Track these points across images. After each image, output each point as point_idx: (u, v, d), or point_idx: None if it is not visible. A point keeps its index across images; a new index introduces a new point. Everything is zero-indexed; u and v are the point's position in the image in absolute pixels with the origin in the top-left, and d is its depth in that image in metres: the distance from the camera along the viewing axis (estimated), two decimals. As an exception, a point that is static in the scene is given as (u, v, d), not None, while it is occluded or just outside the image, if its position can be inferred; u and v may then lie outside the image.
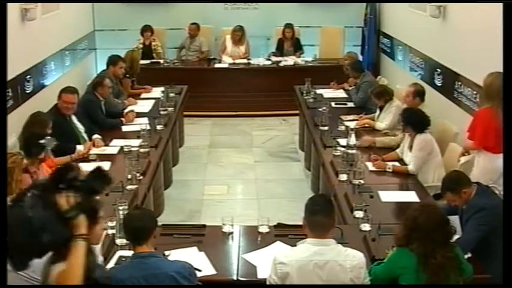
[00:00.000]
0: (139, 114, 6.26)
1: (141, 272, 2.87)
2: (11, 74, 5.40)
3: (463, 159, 4.66)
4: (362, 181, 4.44)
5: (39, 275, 2.81)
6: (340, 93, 7.24)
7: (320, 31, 9.43)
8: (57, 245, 2.06)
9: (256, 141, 7.85)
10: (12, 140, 5.14)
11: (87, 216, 2.17)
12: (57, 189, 2.13)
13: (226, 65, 8.85)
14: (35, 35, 6.44)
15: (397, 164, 4.84)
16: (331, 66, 8.36)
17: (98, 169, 2.27)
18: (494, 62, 4.37)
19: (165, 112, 6.32)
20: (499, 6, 4.25)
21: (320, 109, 6.01)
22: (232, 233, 3.74)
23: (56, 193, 2.11)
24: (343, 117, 6.05)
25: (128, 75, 7.09)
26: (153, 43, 8.98)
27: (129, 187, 4.34)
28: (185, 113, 7.57)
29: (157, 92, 7.10)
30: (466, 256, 3.21)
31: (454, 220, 3.50)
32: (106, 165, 4.80)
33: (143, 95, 7.21)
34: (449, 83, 6.13)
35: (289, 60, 8.87)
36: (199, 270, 3.14)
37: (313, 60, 8.94)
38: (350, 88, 7.14)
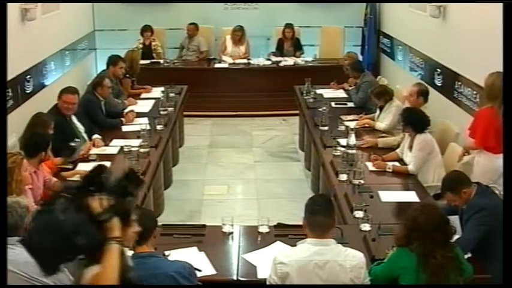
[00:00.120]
0: (139, 114, 6.26)
1: (141, 272, 2.87)
2: (11, 74, 5.40)
3: (466, 158, 4.66)
4: (362, 181, 4.44)
5: (39, 275, 2.82)
6: (340, 93, 7.24)
7: (320, 31, 9.43)
8: (90, 249, 2.03)
9: (256, 141, 7.85)
10: (12, 140, 5.15)
11: (120, 218, 2.14)
12: (90, 192, 2.09)
13: (226, 65, 8.85)
14: (35, 35, 6.43)
15: (397, 164, 4.84)
16: (331, 66, 8.36)
17: (131, 171, 2.25)
18: (494, 62, 4.37)
19: (165, 112, 6.32)
20: (499, 6, 4.26)
21: (320, 109, 6.01)
22: (232, 233, 3.74)
23: (89, 196, 2.08)
24: (343, 117, 6.05)
25: (128, 75, 7.09)
26: (153, 43, 8.98)
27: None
28: (185, 113, 7.57)
29: (157, 92, 7.10)
30: (466, 256, 3.21)
31: (454, 220, 3.50)
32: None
33: (143, 95, 7.21)
34: (449, 83, 6.13)
35: (289, 60, 8.87)
36: (199, 270, 3.14)
37: (313, 60, 8.94)
38: (350, 88, 7.14)
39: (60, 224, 1.98)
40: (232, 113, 8.63)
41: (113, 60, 6.81)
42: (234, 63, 8.89)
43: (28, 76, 6.20)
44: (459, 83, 5.86)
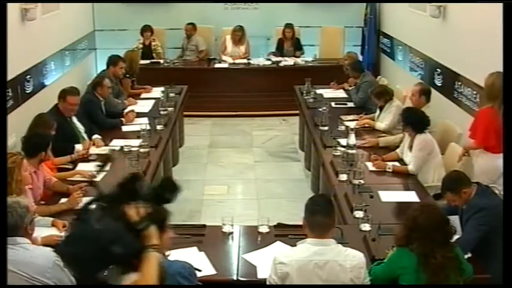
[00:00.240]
0: (139, 114, 6.25)
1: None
2: (11, 74, 5.40)
3: (465, 158, 4.67)
4: (362, 181, 4.44)
5: (39, 275, 2.82)
6: (340, 93, 7.24)
7: (320, 31, 9.43)
8: (128, 257, 1.99)
9: (256, 141, 7.85)
10: (12, 140, 5.15)
11: (157, 225, 2.11)
12: (125, 200, 2.06)
13: (226, 65, 8.85)
14: (35, 35, 6.44)
15: (397, 164, 4.84)
16: (331, 66, 8.36)
17: (167, 178, 2.22)
18: (494, 62, 4.37)
19: (165, 112, 6.32)
20: (499, 6, 4.26)
21: (320, 109, 6.01)
22: (232, 233, 3.74)
23: (124, 204, 2.05)
24: (343, 117, 6.05)
25: (127, 75, 7.09)
26: (153, 43, 8.98)
27: (129, 187, 4.33)
28: (185, 113, 7.57)
29: (157, 92, 7.10)
30: (466, 256, 3.20)
31: (454, 220, 3.50)
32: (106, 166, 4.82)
33: (143, 95, 7.21)
34: (449, 83, 6.14)
35: (289, 60, 8.87)
36: (199, 270, 3.13)
37: (313, 60, 8.94)
38: (350, 88, 7.14)
39: (96, 234, 1.94)
40: (232, 113, 8.63)
41: (113, 60, 6.81)
42: (234, 63, 8.89)
43: (28, 76, 6.20)
44: (459, 83, 5.86)
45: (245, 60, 8.97)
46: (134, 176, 2.17)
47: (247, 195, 6.27)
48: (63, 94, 5.31)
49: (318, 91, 7.18)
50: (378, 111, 5.95)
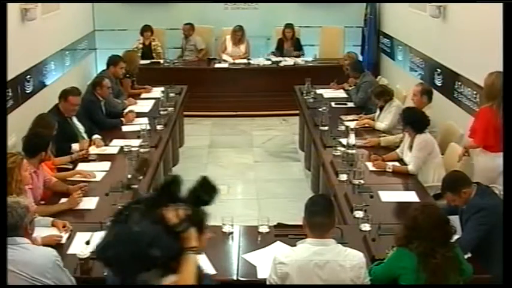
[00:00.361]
0: (139, 114, 6.25)
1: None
2: (11, 74, 5.40)
3: (465, 158, 4.67)
4: (362, 181, 4.44)
5: (39, 275, 2.82)
6: (340, 93, 7.24)
7: (320, 31, 9.43)
8: (167, 260, 1.99)
9: (256, 141, 7.85)
10: (12, 140, 5.15)
11: (195, 227, 2.10)
12: (164, 203, 2.05)
13: (226, 65, 8.85)
14: (35, 35, 6.44)
15: (397, 164, 4.84)
16: (331, 66, 8.35)
17: (205, 179, 2.19)
18: (494, 62, 4.38)
19: (165, 112, 6.31)
20: (499, 6, 4.26)
21: (320, 109, 6.01)
22: (232, 233, 3.74)
23: (163, 207, 2.03)
24: (343, 117, 6.05)
25: (128, 76, 7.09)
26: (152, 43, 8.98)
27: (129, 187, 4.34)
28: (185, 113, 7.57)
29: (157, 92, 7.10)
30: (466, 256, 3.20)
31: (454, 220, 3.50)
32: (106, 165, 4.83)
33: (143, 95, 7.21)
34: (449, 83, 6.14)
35: (289, 60, 8.87)
36: (199, 270, 3.14)
37: (313, 60, 8.94)
38: (350, 88, 7.14)
39: (135, 237, 1.94)
40: (232, 113, 8.63)
41: (113, 60, 6.81)
42: (234, 63, 8.89)
43: (28, 76, 6.20)
44: (459, 83, 5.87)
45: (245, 60, 8.97)
46: (173, 179, 2.15)
47: (247, 195, 6.26)
48: (65, 94, 5.31)
49: (318, 91, 7.18)
50: (378, 111, 5.95)
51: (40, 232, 3.41)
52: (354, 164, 4.73)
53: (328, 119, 5.85)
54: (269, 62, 8.91)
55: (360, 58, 8.42)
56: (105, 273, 3.12)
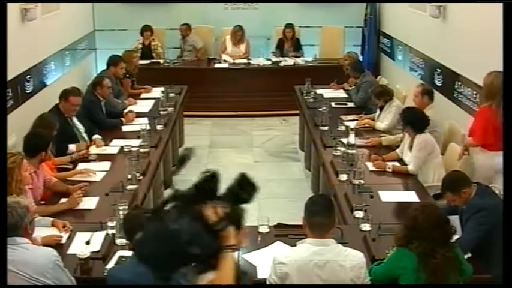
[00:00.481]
0: (139, 114, 6.25)
1: (141, 272, 2.87)
2: (11, 74, 5.40)
3: (465, 157, 4.68)
4: (362, 181, 4.44)
5: (39, 275, 2.83)
6: (340, 93, 7.24)
7: (320, 31, 9.43)
8: (205, 258, 1.96)
9: (256, 141, 7.85)
10: (12, 140, 5.15)
11: (234, 225, 2.06)
12: (202, 200, 2.02)
13: (226, 65, 8.85)
14: (35, 35, 6.44)
15: (397, 164, 4.84)
16: (331, 66, 8.35)
17: (243, 177, 2.17)
18: (494, 62, 4.38)
19: (165, 112, 6.31)
20: (499, 6, 4.26)
21: (320, 109, 6.01)
22: (232, 233, 3.73)
23: (201, 204, 2.00)
24: (343, 117, 6.05)
25: (128, 75, 7.09)
26: (152, 43, 8.98)
27: (129, 187, 4.34)
28: (185, 113, 7.57)
29: (157, 92, 7.09)
30: (466, 256, 3.20)
31: (454, 220, 3.50)
32: (106, 165, 4.83)
33: (143, 95, 7.21)
34: (449, 83, 6.14)
35: (289, 60, 8.87)
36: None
37: (313, 60, 8.94)
38: (350, 88, 7.14)
39: (174, 234, 1.91)
40: (232, 113, 8.63)
41: (113, 61, 6.81)
42: (234, 63, 8.89)
43: (28, 76, 6.20)
44: (459, 83, 5.87)
45: (245, 60, 8.97)
46: (211, 176, 2.12)
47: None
48: (65, 94, 5.31)
49: (318, 91, 7.18)
50: (378, 111, 5.95)
51: (40, 232, 3.42)
52: (354, 164, 4.72)
53: (328, 119, 5.85)
54: (269, 62, 8.91)
55: (360, 58, 8.42)
56: (105, 273, 3.13)
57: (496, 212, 3.37)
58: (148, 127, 5.59)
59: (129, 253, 3.22)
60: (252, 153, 7.44)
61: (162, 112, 6.30)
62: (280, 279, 2.86)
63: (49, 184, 4.25)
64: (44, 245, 3.23)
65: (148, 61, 8.71)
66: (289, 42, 9.15)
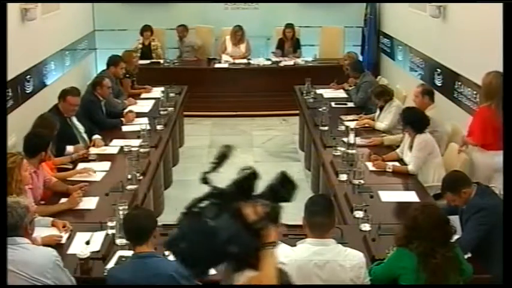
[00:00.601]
0: (139, 114, 6.25)
1: (141, 272, 2.88)
2: (11, 74, 5.40)
3: (464, 147, 4.70)
4: (362, 181, 4.44)
5: (39, 275, 2.83)
6: (340, 93, 7.24)
7: (320, 31, 9.43)
8: (244, 256, 1.94)
9: (256, 141, 7.85)
10: (13, 140, 5.15)
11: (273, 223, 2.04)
12: (241, 198, 1.99)
13: (226, 65, 8.85)
14: (35, 35, 6.44)
15: (397, 164, 4.84)
16: (331, 66, 8.35)
17: (283, 175, 2.12)
18: (494, 62, 4.38)
19: (165, 112, 6.32)
20: (499, 6, 4.26)
21: (320, 109, 6.01)
22: (232, 233, 3.73)
23: (240, 201, 1.97)
24: (343, 117, 6.05)
25: (127, 76, 7.09)
26: (152, 43, 8.97)
27: (129, 187, 4.34)
28: (185, 113, 7.57)
29: (157, 92, 7.09)
30: (466, 256, 3.20)
31: (454, 220, 3.50)
32: (106, 165, 4.83)
33: (143, 95, 7.21)
34: (449, 83, 6.14)
35: (289, 60, 8.87)
36: (200, 270, 3.14)
37: (313, 60, 8.94)
38: (350, 88, 7.14)
39: (212, 232, 1.88)
40: (232, 113, 8.62)
41: (113, 61, 6.81)
42: (234, 63, 8.89)
43: (28, 76, 6.20)
44: (459, 83, 5.87)
45: (245, 60, 8.97)
46: (252, 173, 2.09)
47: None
48: (64, 94, 5.31)
49: (318, 91, 7.18)
50: (378, 111, 5.95)
51: (40, 232, 3.42)
52: (354, 164, 4.72)
53: (328, 119, 5.85)
54: (269, 62, 8.91)
55: (360, 58, 8.42)
56: (105, 273, 3.13)
57: (496, 212, 3.37)
58: (148, 127, 5.59)
59: (129, 253, 3.22)
60: (252, 153, 7.43)
61: (162, 112, 6.30)
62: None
63: (49, 184, 4.25)
64: (44, 245, 3.23)
65: (148, 61, 8.71)
66: (289, 42, 9.15)
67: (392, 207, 4.14)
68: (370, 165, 4.83)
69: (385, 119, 5.79)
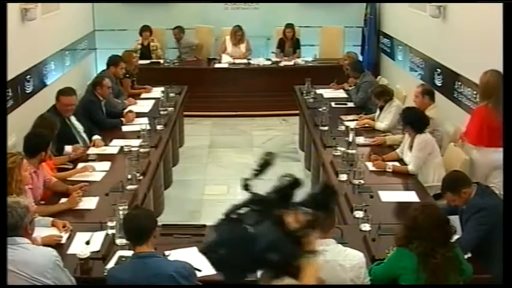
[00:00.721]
0: (139, 114, 6.25)
1: (141, 272, 2.87)
2: (11, 74, 5.40)
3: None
4: (362, 181, 4.44)
5: (39, 275, 2.83)
6: (340, 93, 7.24)
7: (320, 31, 9.43)
8: (284, 264, 1.90)
9: (256, 141, 7.85)
10: (13, 140, 5.15)
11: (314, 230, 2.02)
12: (282, 205, 1.96)
13: (226, 65, 8.85)
14: (35, 35, 6.44)
15: (397, 164, 4.84)
16: (331, 66, 8.35)
17: (326, 185, 2.14)
18: (494, 62, 4.38)
19: (165, 112, 6.32)
20: (499, 6, 4.26)
21: (320, 109, 6.01)
22: (232, 233, 3.73)
23: (281, 209, 1.94)
24: (343, 117, 6.05)
25: (127, 76, 7.09)
26: (151, 43, 8.96)
27: (129, 187, 4.34)
28: (185, 113, 7.57)
29: (157, 92, 7.09)
30: (466, 256, 3.21)
31: (454, 220, 3.50)
32: (106, 165, 4.83)
33: (143, 95, 7.21)
34: (449, 83, 6.14)
35: (289, 60, 8.87)
36: (199, 270, 3.14)
37: (313, 60, 8.94)
38: (350, 88, 7.14)
39: (252, 239, 1.86)
40: (232, 113, 8.62)
41: (113, 61, 6.81)
42: (234, 63, 8.89)
43: (28, 76, 6.20)
44: (459, 83, 5.87)
45: (245, 60, 8.97)
46: (292, 181, 2.05)
47: (247, 195, 6.24)
48: (57, 95, 5.31)
49: (318, 91, 7.18)
50: (378, 111, 5.95)
51: (40, 232, 3.42)
52: (354, 164, 4.72)
53: (328, 119, 5.85)
54: (269, 62, 8.92)
55: (360, 58, 8.42)
56: (105, 273, 3.13)
57: (496, 212, 3.37)
58: (148, 127, 5.59)
59: (129, 253, 3.22)
60: (252, 153, 7.44)
61: (162, 112, 6.30)
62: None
63: (49, 184, 4.25)
64: (44, 245, 3.23)
65: (148, 61, 8.71)
66: (289, 42, 9.15)
67: (392, 207, 4.14)
68: (370, 165, 4.83)
69: (385, 119, 5.79)
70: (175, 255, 3.36)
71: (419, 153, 4.72)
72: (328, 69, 8.28)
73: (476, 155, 4.56)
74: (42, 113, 5.04)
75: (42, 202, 4.10)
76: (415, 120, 4.84)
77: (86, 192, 4.21)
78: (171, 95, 6.94)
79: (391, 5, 8.58)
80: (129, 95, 6.98)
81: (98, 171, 4.67)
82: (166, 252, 3.35)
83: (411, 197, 4.29)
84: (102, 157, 5.01)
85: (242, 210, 1.97)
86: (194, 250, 3.50)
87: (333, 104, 6.62)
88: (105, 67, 7.00)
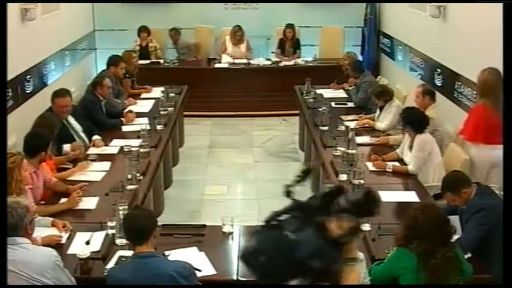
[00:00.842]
0: (139, 114, 6.25)
1: (141, 272, 2.87)
2: (11, 74, 5.40)
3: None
4: (362, 181, 4.44)
5: (39, 275, 2.83)
6: (340, 93, 7.24)
7: (320, 31, 9.43)
8: (325, 271, 1.90)
9: (256, 141, 7.85)
10: (12, 140, 5.15)
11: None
12: (324, 212, 1.96)
13: (226, 65, 8.85)
14: (35, 35, 6.43)
15: (397, 164, 4.84)
16: (331, 66, 8.35)
17: (368, 193, 2.13)
18: (494, 62, 4.38)
19: (165, 112, 6.31)
20: (499, 6, 4.26)
21: (320, 109, 6.01)
22: (232, 233, 3.74)
23: (323, 216, 1.94)
24: (343, 117, 6.05)
25: (127, 75, 7.09)
26: (150, 44, 8.95)
27: (129, 187, 4.34)
28: (185, 113, 7.57)
29: (157, 92, 7.10)
30: (466, 256, 3.21)
31: (454, 220, 3.50)
32: (106, 165, 4.83)
33: (143, 95, 7.21)
34: (449, 83, 6.14)
35: (289, 60, 8.87)
36: (199, 270, 3.14)
37: (313, 60, 8.95)
38: (350, 88, 7.15)
39: (293, 245, 1.85)
40: (232, 113, 8.63)
41: (113, 61, 6.81)
42: (234, 63, 8.89)
43: (28, 76, 6.20)
44: (459, 83, 5.87)
45: (245, 60, 8.97)
46: (337, 189, 2.08)
47: (247, 195, 6.27)
48: (52, 97, 5.32)
49: (318, 91, 7.19)
50: (378, 111, 5.95)
51: (40, 232, 3.42)
52: (354, 164, 4.72)
53: (328, 119, 5.85)
54: (269, 62, 8.92)
55: (360, 58, 8.43)
56: (105, 273, 3.13)
57: (496, 212, 3.37)
58: (148, 127, 5.59)
59: (129, 253, 3.22)
60: (252, 153, 7.44)
61: (162, 112, 6.29)
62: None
63: (49, 184, 4.25)
64: (44, 245, 3.23)
65: (148, 61, 8.70)
66: (289, 42, 9.15)
67: (392, 207, 4.14)
68: (370, 165, 4.83)
69: (385, 119, 5.79)
70: (175, 255, 3.36)
71: (419, 153, 4.73)
72: (328, 69, 8.28)
73: (474, 152, 4.56)
74: (42, 113, 5.04)
75: (42, 202, 4.10)
76: (415, 120, 4.84)
77: (86, 192, 4.21)
78: (171, 95, 6.94)
79: (391, 5, 8.58)
80: (129, 95, 6.98)
81: (98, 171, 4.67)
82: (166, 252, 3.35)
83: (411, 197, 4.29)
84: (102, 157, 5.02)
85: (282, 217, 1.95)
86: (194, 250, 3.51)
87: (333, 104, 6.63)
88: (105, 67, 7.00)
